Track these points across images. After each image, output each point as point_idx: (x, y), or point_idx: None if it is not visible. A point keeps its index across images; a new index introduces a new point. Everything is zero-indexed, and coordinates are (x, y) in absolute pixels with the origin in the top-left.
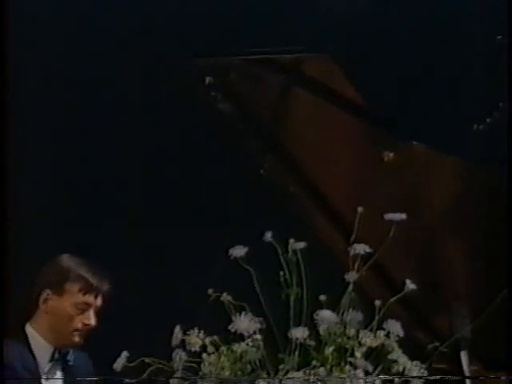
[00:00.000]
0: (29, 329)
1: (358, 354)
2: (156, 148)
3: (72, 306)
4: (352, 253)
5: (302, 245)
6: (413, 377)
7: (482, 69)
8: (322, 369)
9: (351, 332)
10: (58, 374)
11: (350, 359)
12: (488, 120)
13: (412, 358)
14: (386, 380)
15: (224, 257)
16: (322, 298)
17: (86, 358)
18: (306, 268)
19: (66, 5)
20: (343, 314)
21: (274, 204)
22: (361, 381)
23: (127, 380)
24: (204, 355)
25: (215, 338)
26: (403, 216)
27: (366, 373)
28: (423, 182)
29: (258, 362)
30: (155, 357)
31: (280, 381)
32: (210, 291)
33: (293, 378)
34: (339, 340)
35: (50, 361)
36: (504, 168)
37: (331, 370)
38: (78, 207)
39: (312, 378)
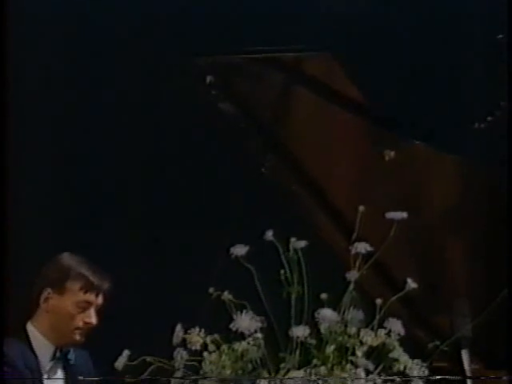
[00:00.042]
0: (30, 327)
1: (358, 353)
2: (156, 148)
3: (73, 305)
4: (353, 251)
5: (303, 243)
6: (413, 377)
7: (483, 68)
8: (322, 368)
9: (352, 331)
10: (59, 373)
11: (351, 358)
12: (489, 119)
13: (413, 357)
14: (387, 379)
15: (225, 255)
16: (323, 296)
17: (86, 357)
18: (307, 267)
19: (66, 5)
20: (344, 312)
21: (275, 203)
22: (361, 380)
23: (128, 378)
24: (205, 354)
25: (216, 336)
26: (404, 214)
27: (367, 371)
28: (424, 181)
29: (258, 361)
30: (156, 355)
31: (281, 380)
32: (211, 290)
33: (293, 378)
34: (340, 339)
35: (52, 359)
36: (504, 168)
37: (332, 369)
38: (77, 207)
39: (313, 377)
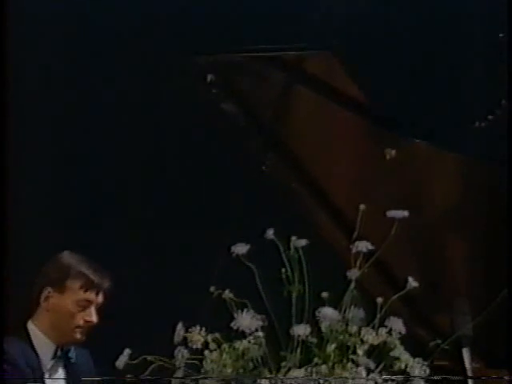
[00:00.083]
0: (30, 326)
1: (359, 352)
2: (156, 148)
3: (73, 304)
4: (354, 250)
5: (303, 242)
6: (414, 376)
7: (483, 67)
8: (323, 366)
9: (353, 329)
10: (60, 371)
11: (351, 357)
12: (490, 117)
13: (414, 356)
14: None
15: (226, 254)
16: (324, 295)
17: (87, 356)
18: (308, 265)
19: (66, 5)
20: (345, 311)
21: (275, 201)
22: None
23: (129, 378)
24: (206, 352)
25: (217, 335)
26: (405, 213)
27: (368, 370)
28: (425, 180)
29: (259, 360)
30: (157, 354)
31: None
32: (212, 288)
33: (294, 378)
34: (341, 337)
35: (53, 358)
36: (504, 167)
37: (333, 368)
38: (78, 207)
39: (314, 376)
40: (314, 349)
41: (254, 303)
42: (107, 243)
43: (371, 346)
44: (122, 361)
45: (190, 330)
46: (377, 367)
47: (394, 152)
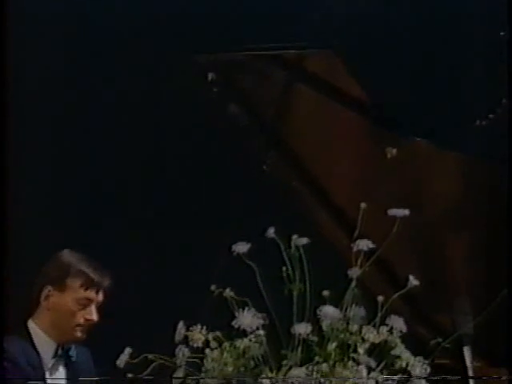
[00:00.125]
0: (31, 325)
1: (360, 350)
2: (156, 148)
3: (73, 302)
4: (355, 249)
5: (304, 240)
6: (415, 377)
7: (483, 67)
8: (324, 365)
9: (354, 328)
10: (61, 370)
11: (352, 355)
12: (490, 116)
13: (415, 354)
14: (389, 375)
15: (227, 253)
16: (325, 293)
17: (87, 354)
18: (309, 264)
19: (66, 5)
20: (346, 309)
21: (276, 200)
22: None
23: (129, 377)
24: (207, 351)
25: (218, 333)
26: (406, 212)
27: (369, 369)
28: (426, 178)
29: (260, 358)
30: (158, 353)
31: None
32: (213, 287)
33: (295, 378)
34: (342, 336)
35: (54, 357)
36: (504, 167)
37: (334, 366)
38: (78, 207)
39: (315, 375)
40: (315, 347)
41: (255, 302)
42: (107, 243)
43: (372, 344)
44: (122, 359)
45: (190, 328)
46: (378, 366)
47: (394, 151)
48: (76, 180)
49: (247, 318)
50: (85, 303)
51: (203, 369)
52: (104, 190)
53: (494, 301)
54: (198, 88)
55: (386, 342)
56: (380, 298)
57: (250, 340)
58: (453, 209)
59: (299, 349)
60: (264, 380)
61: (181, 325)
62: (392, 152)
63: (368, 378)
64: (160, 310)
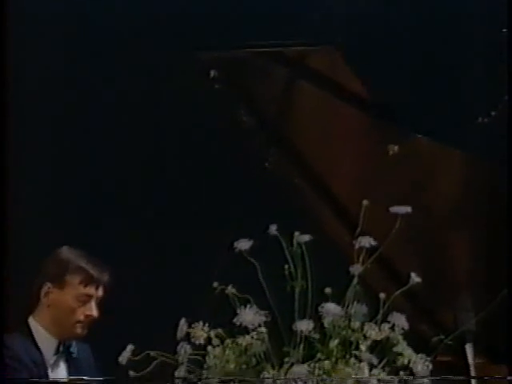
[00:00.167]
0: (32, 322)
1: (362, 347)
2: (156, 148)
3: (73, 299)
4: (357, 246)
5: (306, 238)
6: (416, 377)
7: (485, 62)
8: (326, 362)
9: (356, 325)
10: (62, 366)
11: (354, 352)
12: (493, 113)
13: (417, 351)
14: (391, 372)
15: (229, 250)
16: (327, 290)
17: (88, 350)
18: (311, 261)
19: (66, 5)
20: (348, 306)
21: (278, 197)
22: (365, 375)
23: (132, 373)
24: (209, 348)
25: (220, 330)
26: (408, 209)
27: (371, 366)
28: (429, 176)
29: (262, 355)
30: (160, 350)
31: (285, 373)
32: (215, 284)
33: (299, 378)
34: (344, 333)
35: (56, 353)
36: (504, 167)
37: (336, 363)
38: (78, 207)
39: (317, 371)
40: (317, 344)
41: (257, 299)
42: (107, 243)
43: (374, 341)
44: (124, 357)
45: (192, 325)
46: (379, 363)
47: (396, 148)
48: (76, 180)
49: (249, 315)
50: (85, 299)
51: (205, 366)
52: (104, 189)
53: (496, 297)
54: (199, 87)
55: (387, 339)
56: (382, 295)
57: (252, 337)
58: (455, 205)
59: (301, 346)
60: (266, 377)
61: (183, 322)
62: (394, 149)
63: (370, 374)
64: (162, 307)
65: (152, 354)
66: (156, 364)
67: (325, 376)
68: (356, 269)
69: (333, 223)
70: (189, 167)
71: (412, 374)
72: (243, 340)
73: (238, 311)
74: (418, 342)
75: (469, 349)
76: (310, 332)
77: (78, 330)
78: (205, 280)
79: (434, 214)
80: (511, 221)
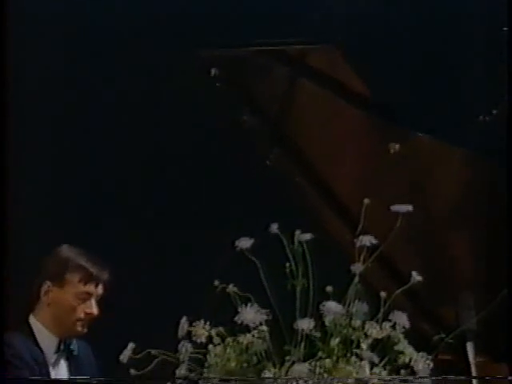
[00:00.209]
0: (32, 320)
1: (363, 346)
2: (156, 148)
3: (73, 297)
4: (358, 244)
5: (308, 236)
6: (417, 377)
7: (485, 62)
8: (327, 360)
9: (357, 323)
10: (63, 364)
11: (355, 351)
12: (494, 112)
13: (418, 349)
14: (392, 371)
15: (230, 248)
16: (328, 289)
17: (88, 348)
18: (312, 259)
19: (66, 5)
20: (349, 305)
21: (280, 196)
22: (366, 373)
23: (133, 371)
24: (210, 346)
25: (221, 329)
26: (409, 207)
27: (372, 364)
28: (430, 174)
29: (263, 354)
30: (161, 348)
31: (286, 372)
32: (216, 283)
33: (300, 377)
34: (345, 331)
35: (56, 352)
36: (504, 167)
37: (337, 362)
38: (78, 207)
39: (318, 371)
40: (318, 343)
41: (258, 297)
42: (107, 243)
43: (375, 340)
44: (126, 355)
45: (193, 324)
46: (381, 361)
47: (398, 146)
48: (76, 180)
49: (250, 314)
50: (84, 297)
51: (206, 364)
52: (104, 189)
53: (497, 296)
54: (199, 87)
55: (388, 337)
56: (383, 294)
57: (253, 335)
58: (456, 204)
59: (302, 344)
60: (267, 377)
61: (184, 320)
62: (395, 147)
63: (371, 373)
64: (163, 306)
65: (153, 352)
66: (157, 362)
67: (326, 374)
68: (357, 267)
69: (334, 222)
70: (189, 167)
71: (413, 372)
72: (244, 338)
73: (239, 310)
74: (418, 341)
75: (470, 347)
76: (311, 330)
77: (79, 328)
78: (206, 279)
79: (434, 213)
80: (511, 221)
